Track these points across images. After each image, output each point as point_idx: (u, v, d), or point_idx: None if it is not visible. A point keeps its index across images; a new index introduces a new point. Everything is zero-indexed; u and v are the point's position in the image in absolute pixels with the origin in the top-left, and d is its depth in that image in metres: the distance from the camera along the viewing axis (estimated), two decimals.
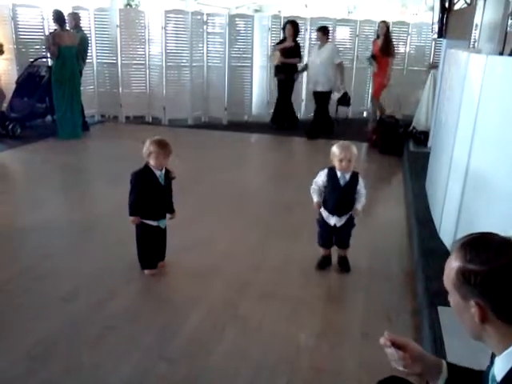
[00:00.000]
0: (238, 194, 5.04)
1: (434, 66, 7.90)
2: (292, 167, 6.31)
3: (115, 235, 3.81)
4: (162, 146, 3.06)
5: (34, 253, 3.58)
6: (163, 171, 3.14)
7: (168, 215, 3.29)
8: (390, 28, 9.05)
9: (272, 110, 8.46)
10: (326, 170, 3.27)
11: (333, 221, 3.31)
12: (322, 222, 3.36)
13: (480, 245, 1.11)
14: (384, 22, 8.05)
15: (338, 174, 3.20)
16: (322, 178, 3.27)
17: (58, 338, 2.60)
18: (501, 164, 2.92)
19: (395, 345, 1.30)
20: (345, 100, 7.91)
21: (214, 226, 4.18)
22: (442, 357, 2.18)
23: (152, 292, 3.13)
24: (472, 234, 1.16)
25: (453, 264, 1.13)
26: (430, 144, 6.18)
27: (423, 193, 4.68)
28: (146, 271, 3.26)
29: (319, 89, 7.57)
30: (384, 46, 7.83)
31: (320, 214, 3.37)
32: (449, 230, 3.47)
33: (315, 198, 3.28)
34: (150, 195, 3.13)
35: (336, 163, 3.17)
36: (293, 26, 7.96)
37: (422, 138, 6.68)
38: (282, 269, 3.44)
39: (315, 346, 2.60)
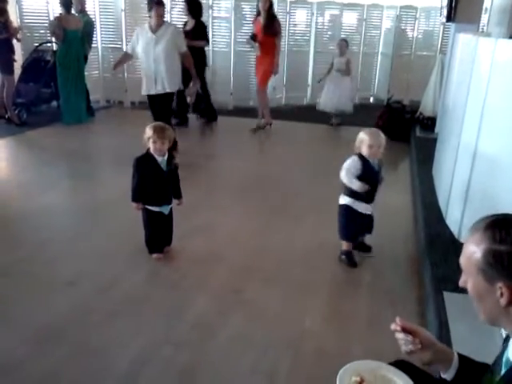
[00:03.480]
0: (243, 180, 5.03)
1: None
2: (297, 152, 6.27)
3: (122, 220, 3.81)
4: (161, 131, 3.04)
5: (39, 237, 3.59)
6: (165, 157, 3.12)
7: (175, 201, 3.28)
8: (397, 13, 8.97)
9: (280, 95, 8.28)
10: (356, 158, 3.12)
11: (369, 210, 3.23)
12: (355, 215, 3.20)
13: (509, 225, 1.06)
14: None
15: (370, 160, 3.12)
16: (356, 165, 3.10)
17: (64, 322, 2.61)
18: (510, 148, 2.88)
19: (406, 331, 1.30)
20: (200, 105, 5.89)
21: (219, 211, 4.17)
22: (447, 343, 2.18)
23: (158, 277, 3.14)
24: (494, 215, 1.11)
25: (477, 246, 1.08)
26: (436, 129, 6.12)
27: (430, 178, 4.65)
28: (154, 255, 3.27)
29: (160, 89, 5.25)
30: (267, 24, 6.46)
31: (347, 207, 3.20)
32: (455, 216, 3.45)
33: (358, 183, 3.09)
34: (151, 181, 3.12)
35: (365, 149, 3.08)
36: (190, 3, 6.73)
37: (429, 123, 6.63)
38: (286, 253, 3.44)
39: (320, 331, 2.60)
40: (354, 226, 3.27)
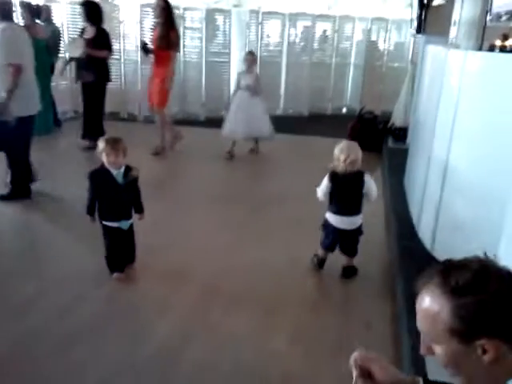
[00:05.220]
0: (212, 194, 4.89)
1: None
2: (270, 166, 6.18)
3: (86, 237, 3.63)
4: (114, 143, 2.92)
5: None
6: (121, 170, 2.98)
7: (137, 215, 3.15)
8: (369, 25, 9.02)
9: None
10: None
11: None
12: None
13: (463, 270, 0.93)
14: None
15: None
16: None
17: (17, 346, 2.44)
18: (480, 161, 2.85)
19: (363, 369, 1.15)
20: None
21: (187, 228, 4.02)
22: (421, 367, 2.09)
23: (120, 298, 2.97)
24: (441, 264, 0.98)
25: (439, 304, 0.93)
26: (408, 140, 6.12)
27: (402, 190, 4.61)
28: (114, 275, 3.11)
29: None
30: (161, 35, 5.66)
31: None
32: (427, 229, 3.39)
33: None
34: (107, 195, 3.00)
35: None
36: (87, 7, 5.82)
37: (401, 134, 6.63)
38: (256, 271, 3.32)
39: (288, 354, 2.49)
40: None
